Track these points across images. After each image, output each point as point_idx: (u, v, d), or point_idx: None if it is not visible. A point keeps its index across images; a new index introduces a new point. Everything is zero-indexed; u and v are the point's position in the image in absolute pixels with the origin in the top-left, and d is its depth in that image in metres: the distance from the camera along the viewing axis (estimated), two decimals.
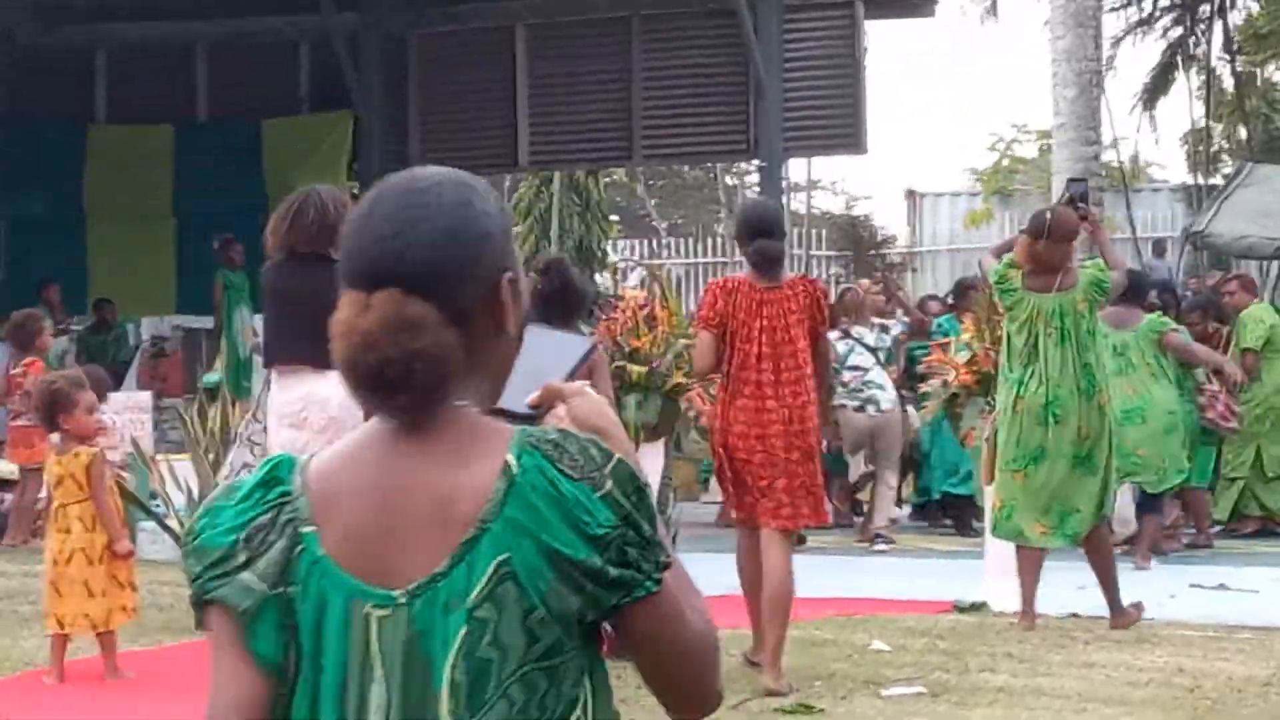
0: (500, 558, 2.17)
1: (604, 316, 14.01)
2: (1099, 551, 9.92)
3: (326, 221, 9.75)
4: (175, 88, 22.16)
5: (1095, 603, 10.19)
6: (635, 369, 11.74)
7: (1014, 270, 9.81)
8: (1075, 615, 10.15)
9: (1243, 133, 31.98)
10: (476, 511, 2.18)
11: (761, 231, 8.78)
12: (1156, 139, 59.38)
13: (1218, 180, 27.81)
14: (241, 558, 2.24)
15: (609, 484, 2.19)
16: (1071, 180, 13.58)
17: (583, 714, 2.24)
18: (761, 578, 8.56)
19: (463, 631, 2.17)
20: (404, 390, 2.21)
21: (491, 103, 21.58)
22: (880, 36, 68.97)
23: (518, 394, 2.39)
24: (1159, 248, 26.79)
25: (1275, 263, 22.41)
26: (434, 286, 2.23)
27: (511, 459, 2.20)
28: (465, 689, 2.17)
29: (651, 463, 9.82)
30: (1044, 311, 9.68)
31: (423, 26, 21.64)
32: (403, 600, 2.19)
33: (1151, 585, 10.94)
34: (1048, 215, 10.03)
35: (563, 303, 8.55)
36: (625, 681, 2.53)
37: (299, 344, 9.58)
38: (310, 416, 9.53)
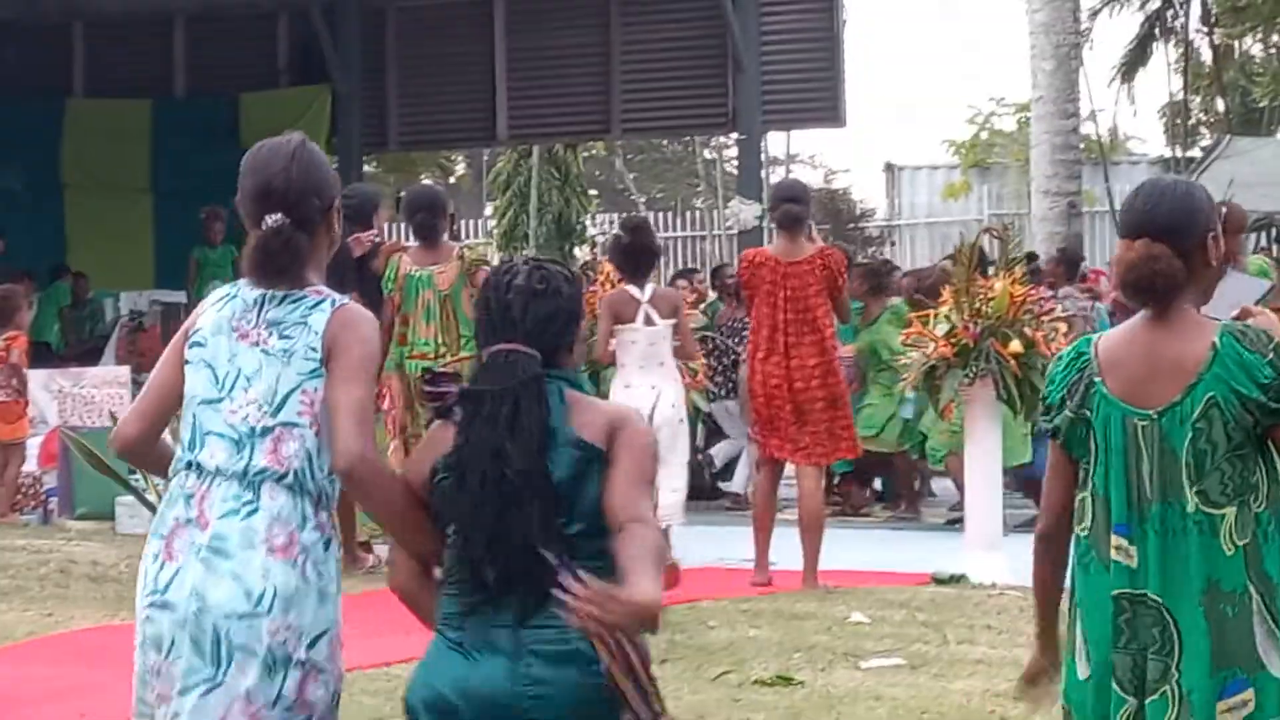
0: (1209, 395, 4.00)
1: (583, 289, 13.97)
2: None
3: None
4: (153, 62, 22.09)
5: None
6: None
7: None
8: None
9: (1221, 105, 32.01)
10: (1197, 368, 4.02)
11: (788, 198, 10.43)
12: (1135, 112, 59.34)
13: (1196, 153, 27.80)
14: (1063, 402, 4.14)
15: (1272, 355, 4.00)
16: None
17: (1259, 480, 4.01)
18: (770, 513, 10.31)
19: (1189, 436, 4.00)
20: (1149, 294, 4.07)
21: (470, 76, 21.53)
22: (858, 8, 68.87)
23: (1224, 309, 4.28)
24: None
25: (1253, 235, 22.45)
26: (1167, 236, 4.08)
27: (1217, 339, 4.03)
28: (1195, 465, 4.01)
29: None
30: None
31: None
32: (1155, 416, 4.04)
33: None
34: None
35: (638, 255, 10.64)
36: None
37: None
38: None
